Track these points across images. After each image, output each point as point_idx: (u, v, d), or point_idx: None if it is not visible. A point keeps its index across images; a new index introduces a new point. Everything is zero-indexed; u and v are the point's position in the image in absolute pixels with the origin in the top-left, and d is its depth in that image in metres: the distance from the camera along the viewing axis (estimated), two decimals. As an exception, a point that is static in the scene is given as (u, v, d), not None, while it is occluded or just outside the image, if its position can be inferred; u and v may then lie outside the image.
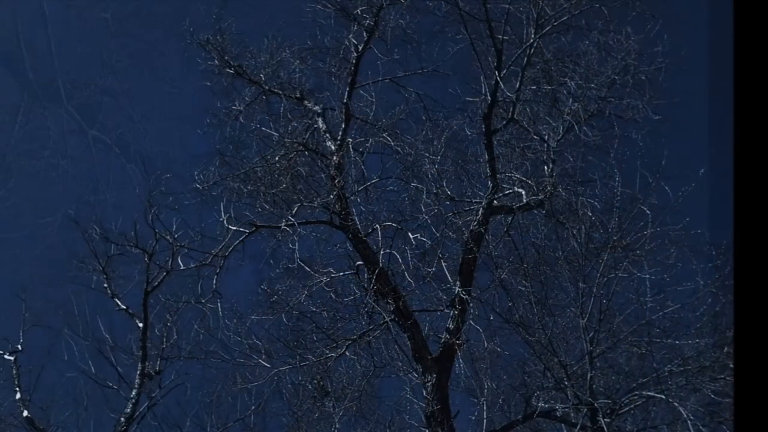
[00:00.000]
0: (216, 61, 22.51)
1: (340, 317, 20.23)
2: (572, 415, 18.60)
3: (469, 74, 21.18)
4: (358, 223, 19.57)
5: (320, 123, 21.51)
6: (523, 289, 19.52)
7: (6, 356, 24.14)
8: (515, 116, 20.24)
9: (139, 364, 23.15)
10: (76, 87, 36.26)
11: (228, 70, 22.45)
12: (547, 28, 19.98)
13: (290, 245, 19.23)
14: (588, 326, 18.18)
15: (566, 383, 18.29)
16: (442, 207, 19.96)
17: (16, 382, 23.41)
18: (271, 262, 20.17)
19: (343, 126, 21.04)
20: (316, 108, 21.89)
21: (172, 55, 32.83)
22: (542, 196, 19.91)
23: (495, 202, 19.94)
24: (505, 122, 20.47)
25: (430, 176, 20.08)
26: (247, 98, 22.43)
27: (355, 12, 21.28)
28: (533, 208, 20.29)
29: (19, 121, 36.28)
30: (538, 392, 19.12)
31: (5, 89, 36.28)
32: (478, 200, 20.08)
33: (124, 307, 24.02)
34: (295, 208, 19.35)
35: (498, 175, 19.97)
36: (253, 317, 20.17)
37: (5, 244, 33.98)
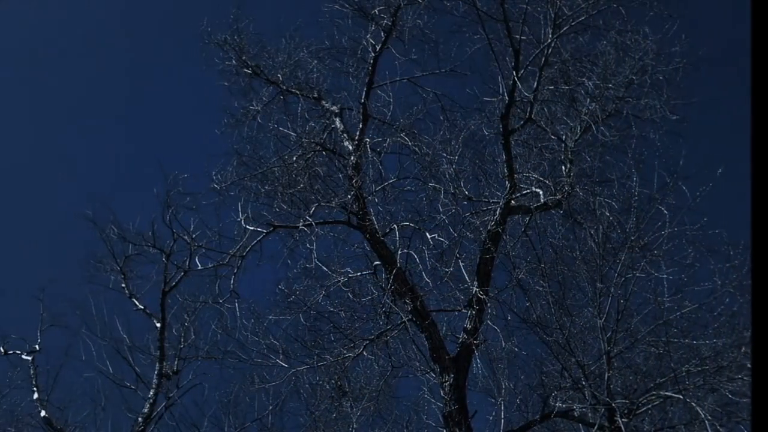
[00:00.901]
0: (234, 61, 22.62)
1: (358, 317, 20.19)
2: (590, 415, 18.55)
3: (486, 74, 21.19)
4: (375, 223, 19.55)
5: (338, 123, 21.57)
6: (541, 289, 19.45)
7: (24, 356, 24.31)
8: (533, 116, 20.19)
9: (157, 364, 23.27)
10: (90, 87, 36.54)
11: (246, 70, 22.56)
12: (564, 28, 19.94)
13: (308, 245, 19.20)
14: (605, 326, 18.10)
15: (584, 383, 18.23)
16: (459, 207, 19.91)
17: (34, 382, 23.56)
18: (289, 262, 20.15)
19: (361, 126, 21.08)
20: (334, 108, 21.95)
21: (189, 54, 33.03)
22: (560, 196, 19.87)
23: (512, 202, 19.91)
24: (522, 122, 20.42)
25: (447, 176, 20.04)
26: (264, 98, 22.55)
27: (373, 12, 21.35)
28: (551, 208, 20.25)
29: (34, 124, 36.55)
30: (555, 392, 19.04)
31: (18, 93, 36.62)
32: (495, 200, 20.05)
33: (142, 307, 24.17)
34: (313, 208, 19.35)
35: (515, 175, 19.94)
36: (270, 317, 20.09)
37: (22, 244, 34.20)
